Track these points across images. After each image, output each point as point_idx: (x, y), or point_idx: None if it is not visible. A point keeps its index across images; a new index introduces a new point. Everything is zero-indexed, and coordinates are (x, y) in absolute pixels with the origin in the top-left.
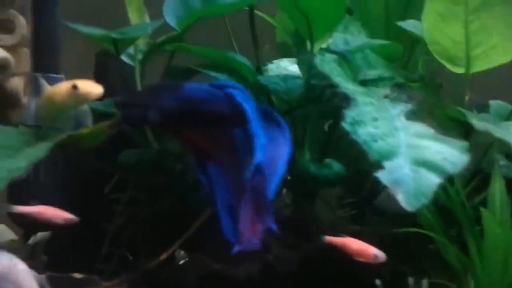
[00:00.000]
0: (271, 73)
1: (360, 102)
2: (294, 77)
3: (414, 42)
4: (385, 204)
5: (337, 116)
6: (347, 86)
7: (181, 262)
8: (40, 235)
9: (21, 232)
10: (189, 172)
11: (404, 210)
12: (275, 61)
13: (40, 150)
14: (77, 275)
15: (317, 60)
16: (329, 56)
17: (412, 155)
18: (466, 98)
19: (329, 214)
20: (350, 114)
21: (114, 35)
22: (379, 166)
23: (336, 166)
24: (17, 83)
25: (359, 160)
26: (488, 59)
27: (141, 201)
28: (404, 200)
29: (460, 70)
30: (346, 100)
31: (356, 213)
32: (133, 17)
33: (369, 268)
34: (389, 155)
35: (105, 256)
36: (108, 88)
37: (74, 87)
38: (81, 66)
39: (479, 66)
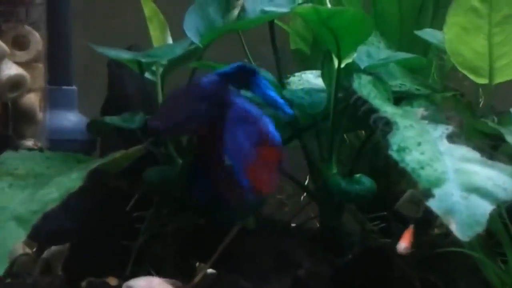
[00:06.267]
0: (293, 86)
1: (401, 126)
2: (318, 90)
3: (427, 48)
4: (406, 208)
5: (367, 130)
6: (386, 109)
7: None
8: (54, 249)
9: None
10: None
11: (425, 215)
12: (297, 74)
13: (74, 180)
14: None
15: (355, 84)
16: (365, 79)
17: (461, 181)
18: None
19: (357, 227)
20: (395, 140)
21: (142, 58)
22: (428, 194)
23: (367, 181)
24: (32, 99)
25: (387, 173)
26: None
27: (165, 218)
28: (457, 230)
29: (483, 81)
30: (386, 123)
31: (385, 226)
32: (155, 34)
33: (401, 281)
34: (438, 182)
35: (130, 273)
36: (124, 100)
37: None
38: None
39: (502, 77)
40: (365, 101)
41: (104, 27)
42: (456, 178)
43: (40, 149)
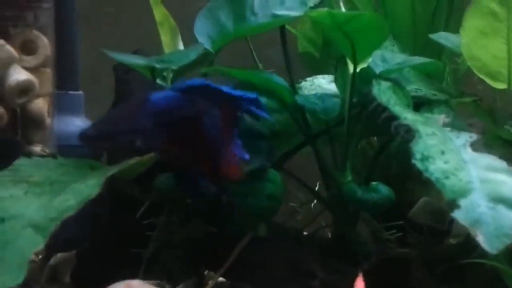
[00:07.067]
0: (305, 91)
1: (423, 134)
2: (331, 95)
3: (440, 51)
4: (420, 216)
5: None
6: (407, 116)
7: None
8: (61, 256)
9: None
10: (225, 196)
11: (441, 224)
12: (309, 79)
13: (91, 187)
14: None
15: (375, 90)
16: (384, 84)
17: (487, 191)
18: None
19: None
20: (418, 149)
21: (156, 64)
22: (454, 204)
23: (384, 189)
24: (41, 104)
25: (401, 180)
26: None
27: (175, 226)
28: (485, 242)
29: (501, 86)
30: (407, 131)
31: (400, 235)
32: (166, 39)
33: None
34: (464, 192)
35: None
36: None
37: None
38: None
39: None
40: (385, 108)
41: (108, 31)
42: (482, 188)
43: (53, 156)
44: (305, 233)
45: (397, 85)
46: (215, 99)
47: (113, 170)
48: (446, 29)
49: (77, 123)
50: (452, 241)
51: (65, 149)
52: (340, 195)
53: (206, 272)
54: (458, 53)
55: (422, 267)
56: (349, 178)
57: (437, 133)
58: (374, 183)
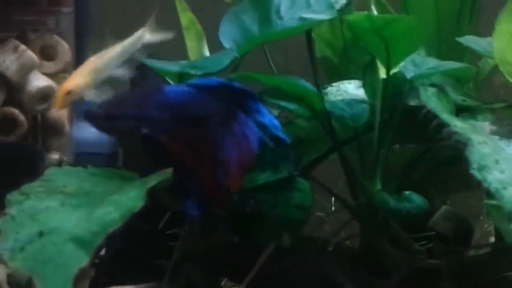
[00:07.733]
0: (331, 97)
1: (475, 142)
2: (359, 101)
3: (463, 55)
4: (440, 225)
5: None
6: (456, 123)
7: None
8: None
9: None
10: (249, 205)
11: (461, 232)
12: (334, 84)
13: (134, 200)
14: None
15: (423, 96)
16: (430, 90)
17: None
18: None
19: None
20: (474, 158)
21: (190, 70)
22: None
23: (417, 199)
24: (61, 111)
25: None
26: None
27: (197, 236)
28: None
29: None
30: (457, 140)
31: (431, 246)
32: (192, 44)
33: None
34: None
35: None
36: None
37: None
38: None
39: None
40: (435, 115)
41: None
42: None
43: (84, 165)
44: None
45: (441, 91)
46: (230, 99)
47: (152, 181)
48: (467, 32)
49: (93, 130)
50: (471, 252)
51: (82, 157)
52: (369, 204)
53: (223, 283)
54: (480, 56)
55: (450, 278)
56: (379, 186)
57: (487, 141)
58: (407, 192)
